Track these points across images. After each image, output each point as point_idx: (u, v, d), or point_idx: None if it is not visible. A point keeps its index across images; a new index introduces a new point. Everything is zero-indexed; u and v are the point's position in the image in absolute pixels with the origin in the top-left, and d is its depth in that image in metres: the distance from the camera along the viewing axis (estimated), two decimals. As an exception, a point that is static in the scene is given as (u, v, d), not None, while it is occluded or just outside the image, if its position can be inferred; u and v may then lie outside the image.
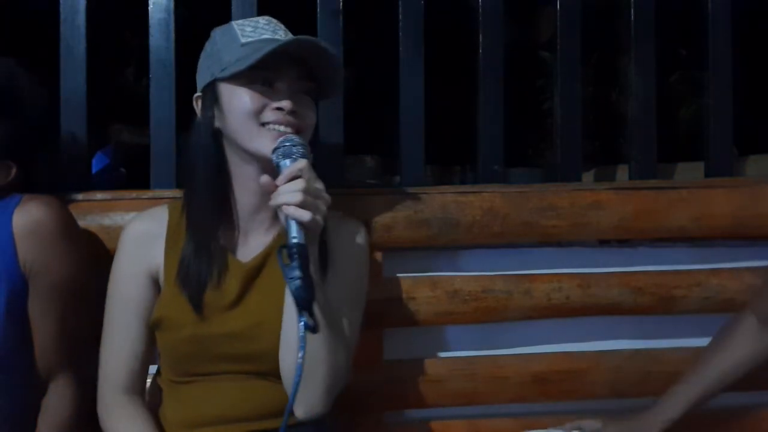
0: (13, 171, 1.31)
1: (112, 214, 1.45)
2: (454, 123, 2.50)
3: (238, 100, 1.20)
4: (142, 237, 1.29)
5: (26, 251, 1.24)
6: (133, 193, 1.49)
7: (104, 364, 1.28)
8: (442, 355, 1.60)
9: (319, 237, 1.14)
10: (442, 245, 1.58)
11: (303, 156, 1.13)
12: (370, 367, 1.54)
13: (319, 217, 1.09)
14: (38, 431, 1.30)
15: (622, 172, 1.97)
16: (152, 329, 1.26)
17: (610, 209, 1.58)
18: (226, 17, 1.53)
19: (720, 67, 1.75)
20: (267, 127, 1.19)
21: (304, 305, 1.04)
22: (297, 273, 1.04)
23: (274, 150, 1.15)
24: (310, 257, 1.09)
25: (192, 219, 1.25)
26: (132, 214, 1.40)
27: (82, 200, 1.46)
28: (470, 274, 1.58)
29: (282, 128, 1.18)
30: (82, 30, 1.56)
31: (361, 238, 1.32)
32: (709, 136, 1.75)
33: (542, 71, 3.70)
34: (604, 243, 1.66)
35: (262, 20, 1.27)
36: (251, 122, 1.19)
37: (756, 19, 2.29)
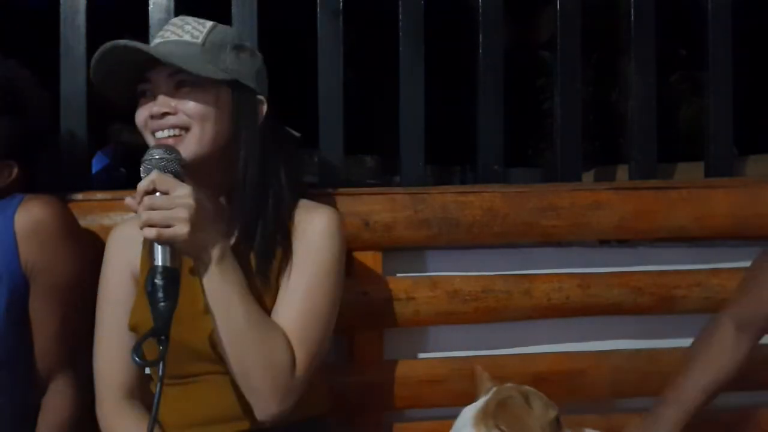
0: (15, 171, 1.31)
1: (112, 214, 1.45)
2: (454, 123, 2.50)
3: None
4: (125, 241, 1.30)
5: (28, 251, 1.24)
6: (134, 194, 1.49)
7: (99, 369, 1.28)
8: (442, 355, 1.60)
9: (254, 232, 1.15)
10: (442, 245, 1.58)
11: (165, 165, 1.10)
12: (370, 367, 1.54)
13: (176, 228, 1.05)
14: (38, 431, 1.30)
15: (622, 172, 1.97)
16: None
17: (610, 209, 1.58)
18: (226, 17, 1.53)
19: (720, 67, 1.75)
20: (156, 137, 1.18)
21: (155, 332, 1.03)
22: (156, 298, 1.03)
23: (141, 164, 1.13)
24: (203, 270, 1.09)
25: None
26: (132, 214, 1.40)
27: (82, 200, 1.46)
28: (470, 274, 1.58)
29: (163, 134, 1.18)
30: (82, 30, 1.56)
31: (325, 226, 1.25)
32: (709, 136, 1.76)
33: (542, 71, 3.70)
34: (604, 243, 1.66)
35: (173, 20, 1.27)
36: (149, 137, 1.20)
37: (756, 19, 2.29)
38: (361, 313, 1.48)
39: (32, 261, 1.24)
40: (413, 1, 1.65)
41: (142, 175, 1.10)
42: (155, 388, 1.27)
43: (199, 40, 1.21)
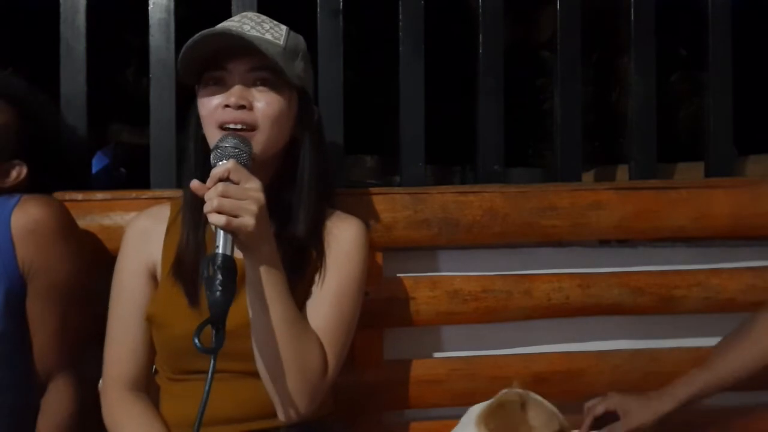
0: (24, 171, 1.33)
1: (112, 214, 1.45)
2: (454, 123, 2.50)
3: (199, 105, 1.21)
4: (142, 234, 1.30)
5: (25, 251, 1.24)
6: (133, 193, 1.49)
7: (108, 360, 1.28)
8: (443, 355, 1.60)
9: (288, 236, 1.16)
10: (442, 245, 1.58)
11: (238, 155, 1.10)
12: (370, 367, 1.54)
13: (244, 219, 1.04)
14: (38, 431, 1.30)
15: (622, 172, 1.98)
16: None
17: (610, 209, 1.58)
18: (226, 17, 1.53)
19: (720, 67, 1.75)
20: (224, 128, 1.16)
21: (213, 320, 1.02)
22: (214, 286, 1.02)
23: (212, 150, 1.12)
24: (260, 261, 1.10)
25: (185, 216, 1.25)
26: (132, 214, 1.41)
27: (82, 200, 1.46)
28: (470, 274, 1.58)
29: (233, 126, 1.16)
30: (82, 30, 1.56)
31: (355, 236, 1.29)
32: (709, 136, 1.76)
33: (542, 71, 3.70)
34: (604, 243, 1.66)
35: (247, 14, 1.25)
36: (211, 126, 1.18)
37: (756, 19, 2.29)
38: (361, 313, 1.48)
39: (29, 261, 1.24)
40: (413, 1, 1.65)
41: (212, 161, 1.10)
42: (161, 381, 1.28)
43: (281, 42, 1.20)
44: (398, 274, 1.56)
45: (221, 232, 1.05)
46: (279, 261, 1.14)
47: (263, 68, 1.18)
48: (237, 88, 1.17)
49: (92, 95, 1.57)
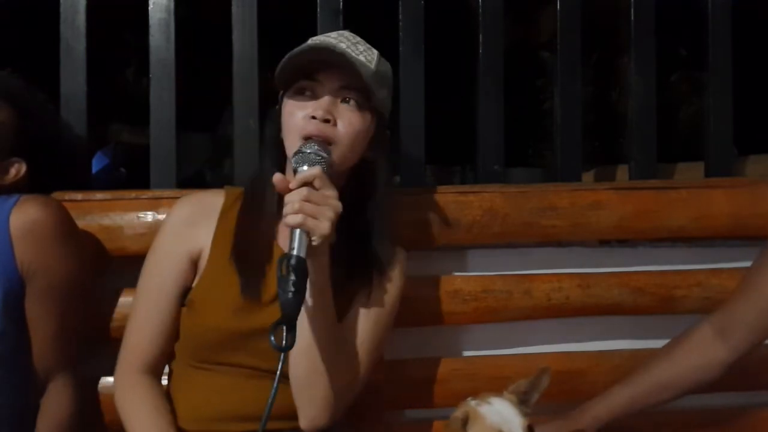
0: (23, 169, 1.33)
1: (112, 214, 1.45)
2: (454, 123, 2.50)
3: (285, 112, 1.22)
4: (189, 219, 1.30)
5: (24, 252, 1.24)
6: (133, 193, 1.49)
7: (129, 337, 1.28)
8: (443, 355, 1.60)
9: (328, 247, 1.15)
10: (442, 245, 1.58)
11: (320, 162, 1.13)
12: (370, 367, 1.54)
13: (321, 223, 1.07)
14: (37, 431, 1.29)
15: (622, 172, 1.97)
16: (180, 308, 1.27)
17: (610, 209, 1.58)
18: (226, 17, 1.53)
19: (720, 67, 1.75)
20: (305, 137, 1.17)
21: (286, 320, 1.04)
22: (288, 286, 1.04)
23: (294, 154, 1.15)
24: (322, 267, 1.12)
25: (255, 209, 1.26)
26: (131, 215, 1.40)
27: (82, 200, 1.46)
28: (470, 274, 1.58)
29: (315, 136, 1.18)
30: (82, 30, 1.56)
31: (402, 266, 1.33)
32: (709, 136, 1.76)
33: (542, 71, 3.69)
34: (604, 243, 1.66)
35: (343, 33, 1.27)
36: (293, 133, 1.19)
37: (756, 19, 2.29)
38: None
39: (28, 262, 1.24)
40: (413, 1, 1.65)
41: (293, 165, 1.13)
42: (178, 367, 1.28)
43: (373, 66, 1.22)
44: (398, 274, 1.56)
45: (297, 234, 1.07)
46: (328, 274, 1.16)
47: (354, 88, 1.20)
48: (326, 100, 1.18)
49: (92, 95, 1.57)
